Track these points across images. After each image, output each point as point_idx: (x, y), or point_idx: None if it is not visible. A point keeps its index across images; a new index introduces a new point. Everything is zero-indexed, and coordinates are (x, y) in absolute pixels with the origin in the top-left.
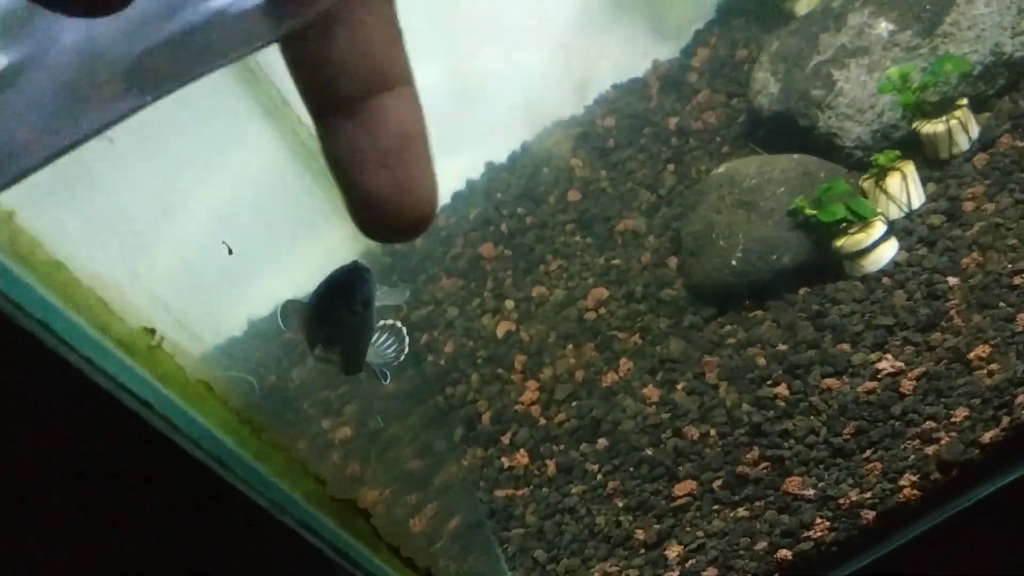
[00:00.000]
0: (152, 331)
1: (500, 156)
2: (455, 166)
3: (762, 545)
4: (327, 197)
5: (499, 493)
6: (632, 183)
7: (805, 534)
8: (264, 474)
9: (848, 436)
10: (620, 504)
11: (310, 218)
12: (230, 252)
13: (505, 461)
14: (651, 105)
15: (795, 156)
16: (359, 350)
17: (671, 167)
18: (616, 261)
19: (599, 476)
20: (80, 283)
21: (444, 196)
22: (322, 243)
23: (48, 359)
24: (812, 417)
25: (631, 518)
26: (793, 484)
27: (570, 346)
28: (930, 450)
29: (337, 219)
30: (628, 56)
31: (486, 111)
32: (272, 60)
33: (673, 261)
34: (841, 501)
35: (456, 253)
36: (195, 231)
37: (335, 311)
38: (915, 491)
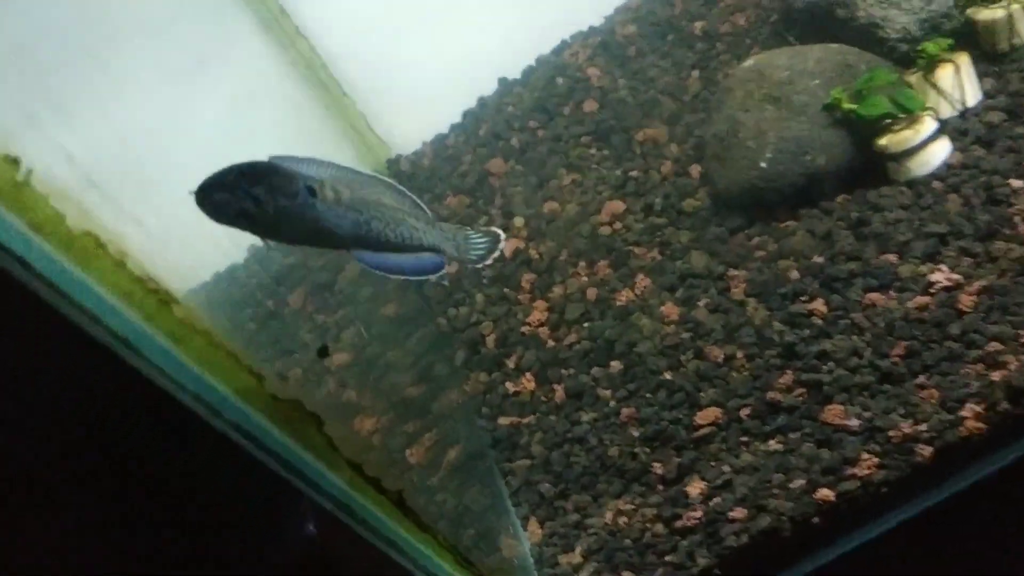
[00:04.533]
0: (15, 161)
1: (514, 72)
2: (467, 84)
3: (799, 483)
4: (328, 113)
5: (503, 421)
6: (654, 91)
7: (849, 471)
8: (178, 357)
9: (897, 358)
10: (636, 434)
11: (310, 133)
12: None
13: (510, 386)
14: (675, 11)
15: (832, 45)
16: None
17: (696, 73)
18: (634, 173)
19: (612, 403)
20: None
21: (454, 114)
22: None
23: None
24: (854, 336)
25: (648, 450)
26: (833, 413)
27: (582, 263)
28: (996, 375)
29: (339, 135)
30: None
31: (498, 26)
32: None
33: (696, 169)
34: (891, 434)
35: (463, 170)
36: (195, 151)
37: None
38: (979, 423)
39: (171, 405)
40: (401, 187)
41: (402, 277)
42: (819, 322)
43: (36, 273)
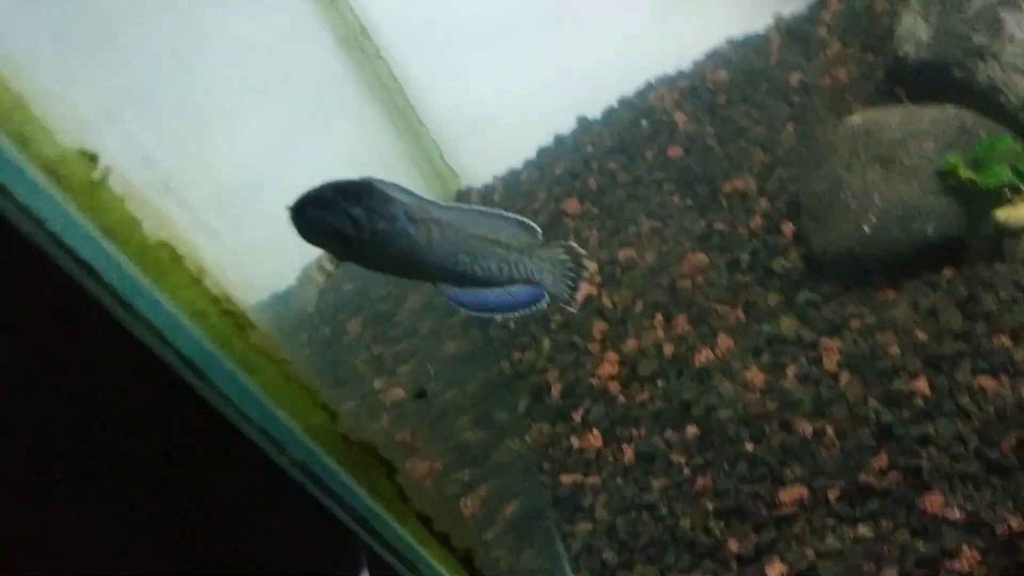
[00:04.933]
0: (93, 158)
1: (594, 112)
2: (543, 120)
3: (890, 574)
4: (401, 138)
5: (566, 478)
6: (744, 141)
7: (948, 564)
8: (248, 387)
9: (1008, 450)
10: (710, 506)
11: (381, 156)
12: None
13: (575, 441)
14: (771, 60)
15: (949, 107)
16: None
17: (791, 126)
18: (719, 226)
19: (686, 470)
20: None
21: (529, 150)
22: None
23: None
24: (960, 422)
25: (723, 524)
26: (933, 502)
27: (659, 317)
28: None
29: (409, 161)
30: (746, 11)
31: (579, 64)
32: None
33: (788, 228)
34: (997, 528)
35: (536, 208)
36: (266, 165)
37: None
38: None
39: (234, 436)
40: (501, 211)
41: (494, 315)
42: (921, 403)
43: (104, 283)
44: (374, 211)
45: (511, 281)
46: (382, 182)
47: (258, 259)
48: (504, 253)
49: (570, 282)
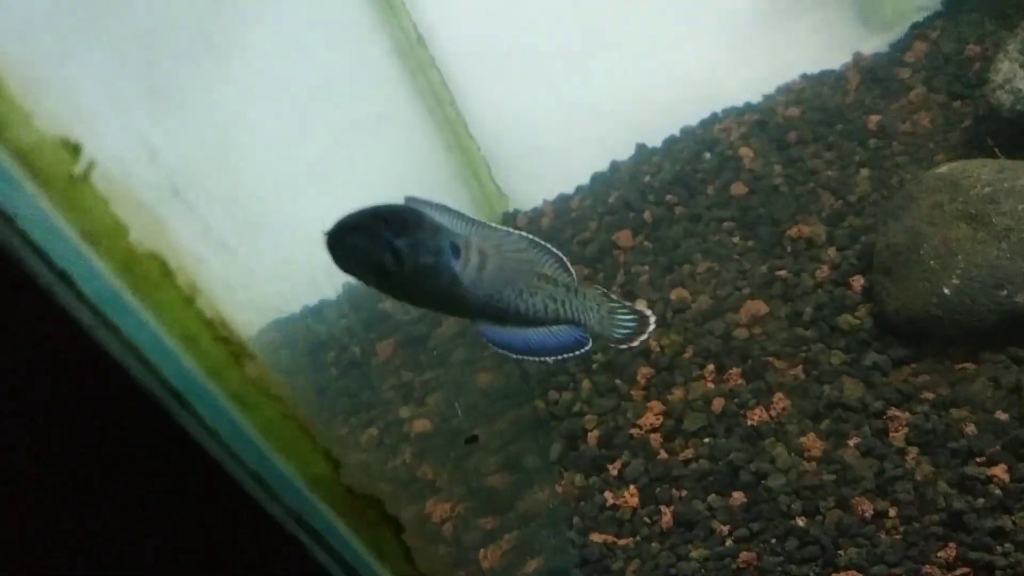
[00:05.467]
0: (75, 148)
1: (654, 140)
2: (600, 145)
3: None
4: (449, 153)
5: (596, 537)
6: (814, 184)
7: None
8: (241, 426)
9: None
10: None
11: (427, 170)
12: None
13: (609, 497)
14: (847, 100)
15: None
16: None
17: (865, 171)
18: (782, 272)
19: (729, 541)
20: None
21: (582, 176)
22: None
23: None
24: None
25: None
26: None
27: (710, 366)
28: None
29: (456, 178)
30: (823, 46)
31: (641, 89)
32: None
33: (858, 282)
34: None
35: (586, 238)
36: (303, 172)
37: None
38: None
39: (222, 479)
40: (543, 243)
41: (535, 359)
42: (998, 492)
43: (80, 294)
44: (419, 243)
45: (556, 321)
46: (424, 202)
47: (290, 270)
48: (551, 289)
49: (627, 331)
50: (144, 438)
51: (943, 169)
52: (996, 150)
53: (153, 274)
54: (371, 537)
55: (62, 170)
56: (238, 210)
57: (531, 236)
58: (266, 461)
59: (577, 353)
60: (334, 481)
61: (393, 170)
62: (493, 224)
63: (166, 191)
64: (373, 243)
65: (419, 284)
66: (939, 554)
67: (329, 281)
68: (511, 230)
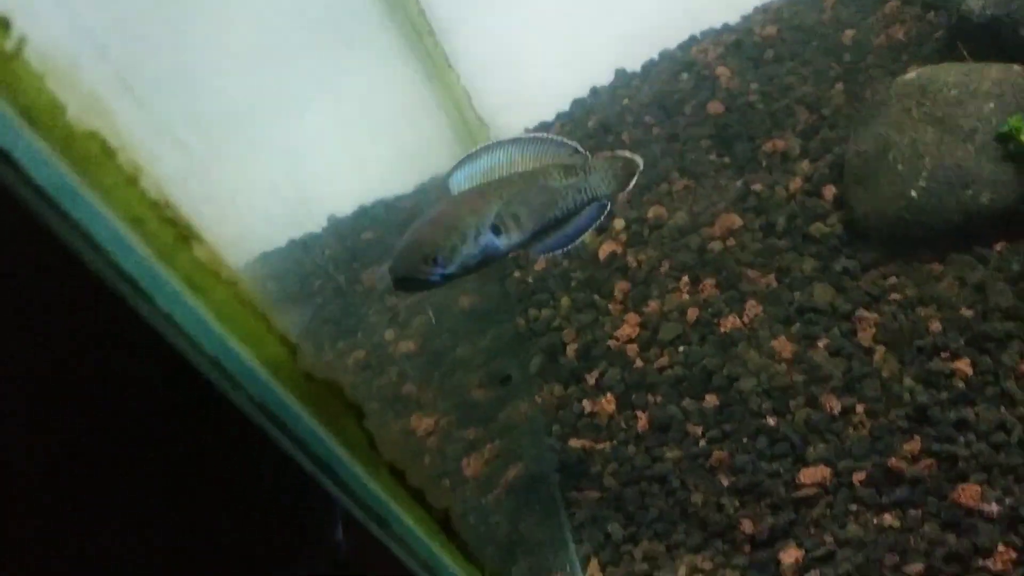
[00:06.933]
0: (5, 23)
1: (634, 65)
2: (580, 72)
3: (915, 567)
4: (431, 84)
5: (574, 443)
6: (789, 100)
7: (980, 563)
8: (194, 309)
9: None
10: (725, 482)
11: (407, 100)
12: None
13: (587, 405)
14: (823, 16)
15: (1015, 67)
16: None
17: (840, 85)
18: (757, 186)
19: (702, 442)
20: None
21: (563, 102)
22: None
23: None
24: (1004, 408)
25: (737, 503)
26: (968, 494)
27: (685, 279)
28: None
29: (437, 108)
30: None
31: (620, 14)
32: None
33: (830, 191)
34: None
35: None
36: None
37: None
38: None
39: (187, 371)
40: (556, 137)
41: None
42: (961, 385)
43: (24, 175)
44: (466, 258)
45: (584, 206)
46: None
47: (269, 205)
48: (573, 181)
49: (618, 180)
50: (94, 322)
51: (911, 75)
52: (965, 55)
53: (94, 154)
54: (334, 423)
55: None
56: (201, 124)
57: (544, 135)
58: (224, 346)
59: (602, 219)
60: (293, 367)
61: (373, 100)
62: (524, 136)
63: (113, 83)
64: (429, 281)
65: (470, 267)
66: (905, 447)
67: (310, 217)
68: (535, 135)
